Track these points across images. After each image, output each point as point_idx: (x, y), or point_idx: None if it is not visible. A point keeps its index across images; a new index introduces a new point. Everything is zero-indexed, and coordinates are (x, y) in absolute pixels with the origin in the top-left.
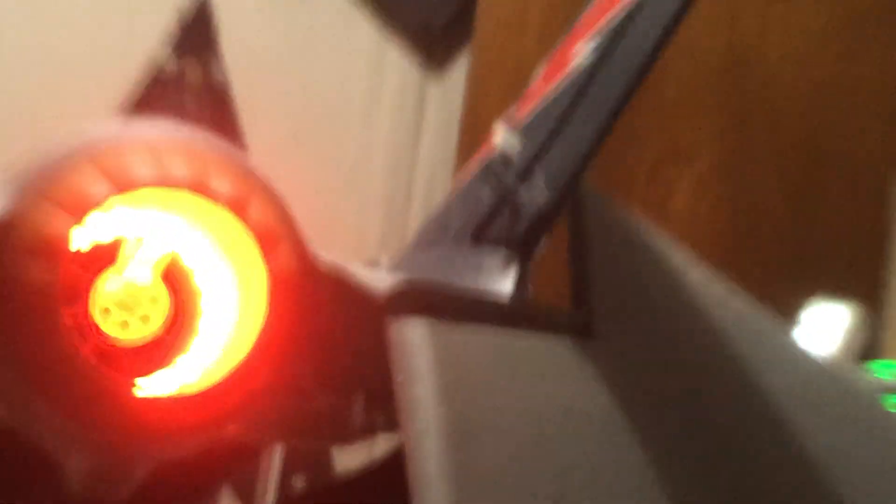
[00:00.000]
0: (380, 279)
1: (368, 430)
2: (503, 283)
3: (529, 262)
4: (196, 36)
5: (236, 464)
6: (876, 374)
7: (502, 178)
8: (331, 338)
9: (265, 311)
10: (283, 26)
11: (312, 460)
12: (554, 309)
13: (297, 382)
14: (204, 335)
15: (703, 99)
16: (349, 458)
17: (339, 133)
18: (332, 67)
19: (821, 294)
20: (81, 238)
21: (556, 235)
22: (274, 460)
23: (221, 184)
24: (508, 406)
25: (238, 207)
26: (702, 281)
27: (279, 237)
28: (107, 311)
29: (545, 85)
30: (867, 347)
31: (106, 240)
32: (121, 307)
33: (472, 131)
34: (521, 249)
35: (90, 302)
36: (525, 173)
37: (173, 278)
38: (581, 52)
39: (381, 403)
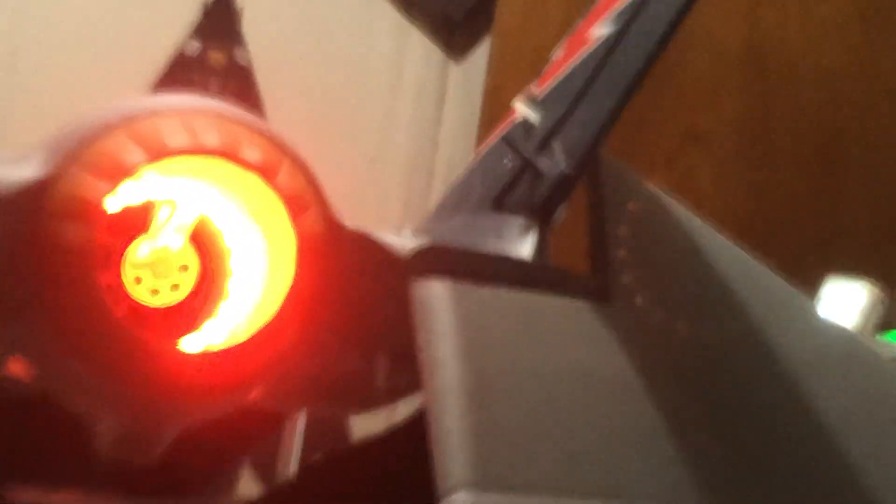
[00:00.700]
0: (403, 243)
1: (392, 393)
2: (523, 248)
3: (548, 228)
4: (220, 21)
5: (261, 432)
6: (889, 344)
7: (522, 148)
8: (356, 300)
9: (293, 273)
10: (305, 13)
11: (333, 431)
12: (572, 273)
13: (323, 343)
14: (233, 297)
15: (722, 86)
16: (370, 426)
17: (360, 119)
18: (355, 53)
19: (841, 271)
20: (114, 205)
21: (574, 202)
22: (297, 431)
23: (252, 151)
24: (527, 365)
25: (268, 173)
26: (719, 247)
27: (307, 202)
28: (138, 279)
29: (564, 61)
30: (885, 324)
31: (138, 207)
32: (153, 274)
33: (493, 118)
34: (541, 216)
35: (122, 268)
36: (544, 143)
37: (203, 242)
38: (599, 31)
39: (404, 365)
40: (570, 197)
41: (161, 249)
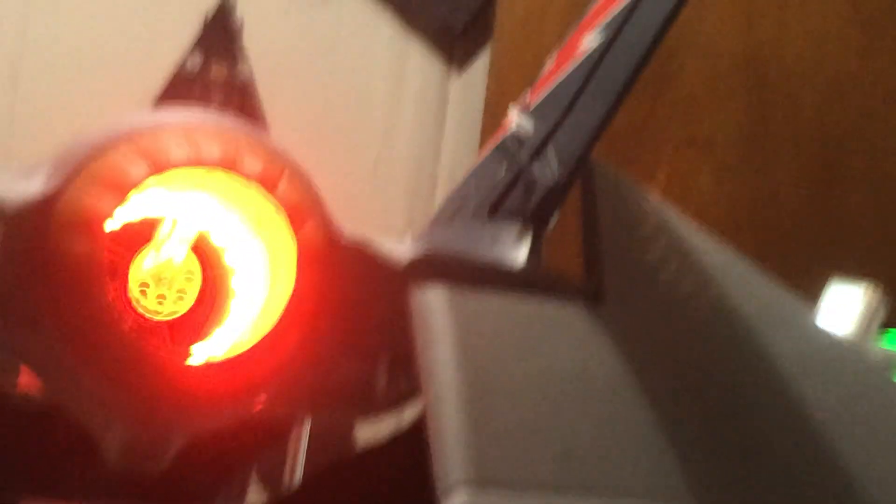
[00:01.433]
0: (401, 250)
1: (393, 399)
2: (518, 253)
3: (542, 234)
4: (221, 36)
5: (267, 441)
6: (886, 345)
7: (516, 156)
8: (356, 307)
9: (294, 282)
10: (306, 26)
11: (338, 438)
12: (566, 277)
13: (325, 351)
14: (237, 308)
15: (722, 92)
16: (372, 435)
17: (363, 129)
18: (356, 64)
19: (842, 276)
20: (120, 217)
21: (568, 208)
22: (302, 440)
23: (252, 163)
24: (523, 367)
25: (269, 185)
26: (709, 250)
27: (307, 213)
28: (144, 289)
29: (556, 71)
30: (887, 326)
31: (142, 220)
32: (157, 283)
33: (494, 126)
34: (535, 221)
35: (129, 279)
36: (537, 151)
37: (206, 254)
38: (589, 40)
39: (404, 371)
40: (563, 203)
41: (165, 262)
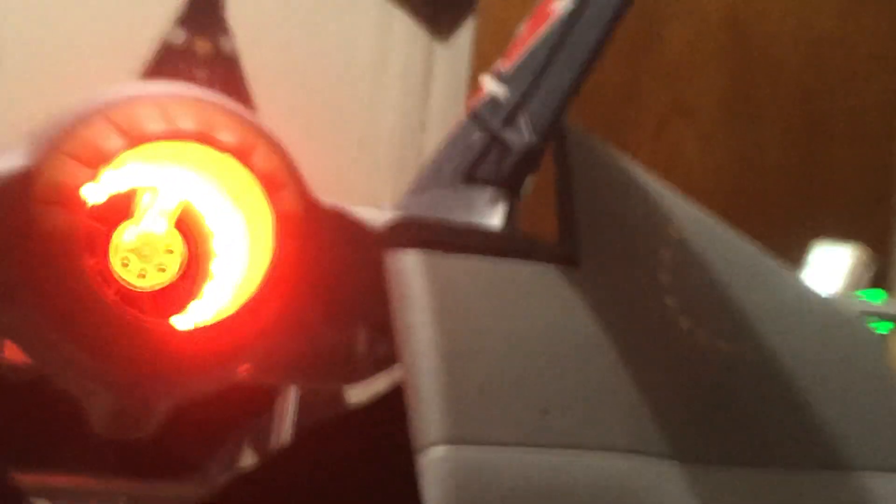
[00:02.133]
0: (378, 217)
1: (373, 365)
2: (492, 218)
3: (517, 199)
4: (204, 10)
5: (254, 408)
6: (865, 301)
7: (490, 123)
8: (334, 274)
9: (272, 250)
10: None
11: (324, 402)
12: (541, 241)
13: (305, 318)
14: (217, 278)
15: (705, 56)
16: (359, 396)
17: (348, 101)
18: (339, 36)
19: (827, 237)
20: (97, 191)
21: (543, 174)
22: (288, 405)
23: (227, 134)
24: (498, 328)
25: (243, 155)
26: (684, 212)
27: (283, 181)
28: (125, 262)
29: (528, 36)
30: (871, 285)
31: (120, 193)
32: (138, 257)
33: None
34: (509, 187)
35: (109, 252)
36: (510, 117)
37: (187, 226)
38: (559, 4)
39: (383, 336)
40: (536, 168)
41: (146, 234)
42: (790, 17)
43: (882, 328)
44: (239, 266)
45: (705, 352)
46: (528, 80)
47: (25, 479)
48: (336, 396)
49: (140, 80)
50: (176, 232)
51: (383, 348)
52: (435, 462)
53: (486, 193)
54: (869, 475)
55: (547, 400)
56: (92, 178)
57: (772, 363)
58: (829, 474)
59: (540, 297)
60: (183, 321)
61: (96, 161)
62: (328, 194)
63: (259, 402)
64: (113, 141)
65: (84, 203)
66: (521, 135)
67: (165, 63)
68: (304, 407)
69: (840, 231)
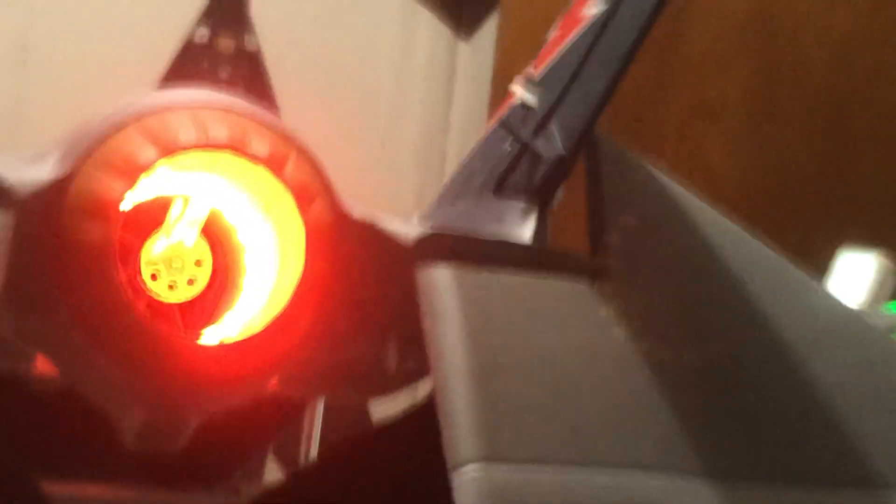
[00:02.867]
0: (409, 230)
1: (403, 378)
2: (524, 231)
3: (548, 210)
4: (228, 8)
5: (281, 422)
6: (890, 312)
7: (520, 132)
8: (365, 287)
9: (303, 262)
10: None
11: (352, 417)
12: (572, 253)
13: (335, 331)
14: (248, 290)
15: (730, 54)
16: (387, 411)
17: (371, 101)
18: (363, 35)
19: (853, 244)
20: (130, 201)
21: (575, 185)
22: (316, 419)
23: (260, 144)
24: (530, 344)
25: (276, 166)
26: (715, 223)
27: (315, 192)
28: (155, 274)
29: (559, 42)
30: None
31: (152, 203)
32: (168, 268)
33: (504, 95)
34: (540, 198)
35: (140, 263)
36: (541, 125)
37: (216, 237)
38: (591, 9)
39: (413, 350)
40: (567, 178)
41: (176, 245)
42: (816, 15)
43: None
44: (269, 278)
45: (733, 365)
46: (559, 87)
47: (58, 489)
48: (361, 410)
49: (164, 78)
50: (205, 243)
51: (413, 361)
52: (468, 480)
53: (517, 205)
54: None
55: (579, 417)
56: (125, 189)
57: (801, 378)
58: (858, 492)
59: (572, 312)
60: (212, 334)
61: (130, 172)
62: (352, 194)
63: (288, 415)
64: (146, 151)
65: (117, 214)
66: (553, 144)
67: (189, 61)
68: (330, 420)
69: (866, 234)
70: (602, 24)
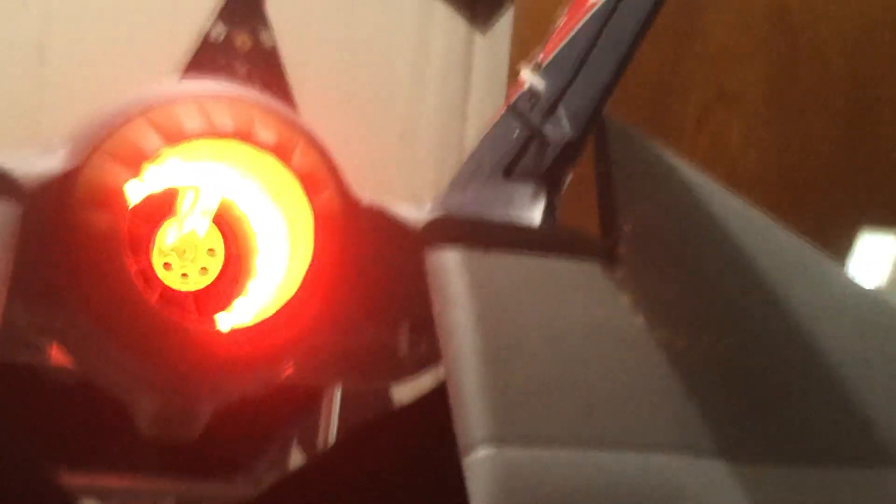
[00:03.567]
0: (418, 215)
1: (416, 364)
2: (533, 214)
3: (557, 193)
4: (244, 4)
5: (299, 410)
6: None
7: (528, 116)
8: (374, 273)
9: (312, 249)
10: None
11: (371, 403)
12: (582, 235)
13: (346, 317)
14: (259, 276)
15: (749, 42)
16: (405, 395)
17: (388, 94)
18: (379, 28)
19: (874, 226)
20: (139, 191)
21: (584, 167)
22: (334, 404)
23: (266, 133)
24: (541, 325)
25: (283, 154)
26: (727, 205)
27: (323, 180)
28: (167, 265)
29: (566, 27)
30: None
31: (162, 194)
32: (181, 258)
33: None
34: (549, 181)
35: (152, 253)
36: (549, 110)
37: (228, 225)
38: None
39: (425, 335)
40: (576, 161)
41: (188, 235)
42: (834, 3)
43: None
44: (279, 265)
45: (750, 347)
46: (567, 72)
47: (75, 479)
48: (382, 396)
49: (182, 75)
50: (217, 232)
51: (425, 347)
52: (480, 463)
53: (527, 188)
54: None
55: (592, 398)
56: (132, 177)
57: (819, 359)
58: (879, 471)
59: (582, 293)
60: (225, 321)
61: (136, 160)
62: (370, 187)
63: (306, 402)
64: (152, 140)
65: (126, 203)
66: (561, 128)
67: (205, 58)
68: (349, 406)
69: (890, 223)
70: (609, 8)
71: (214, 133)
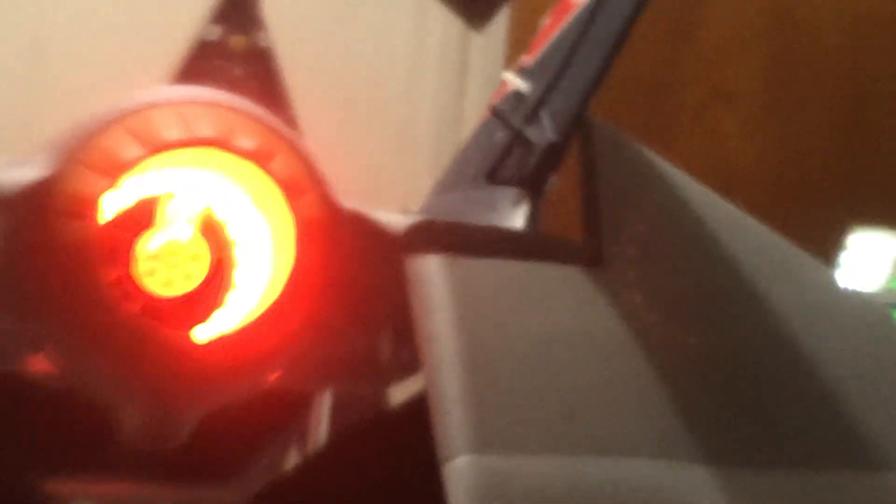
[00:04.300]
0: (400, 221)
1: (399, 369)
2: (515, 219)
3: (540, 197)
4: (239, 6)
5: (287, 416)
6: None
7: (512, 121)
8: (356, 279)
9: (294, 256)
10: None
11: (360, 408)
12: (564, 240)
13: (329, 323)
14: (240, 285)
15: (745, 39)
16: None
17: (384, 94)
18: (375, 28)
19: (870, 225)
20: (118, 200)
21: (568, 171)
22: (321, 411)
23: (246, 139)
24: (521, 332)
25: (263, 160)
26: (711, 207)
27: (304, 187)
28: (151, 271)
29: (551, 29)
30: None
31: (142, 201)
32: (165, 265)
33: None
34: (532, 186)
35: (132, 262)
36: (533, 113)
37: (210, 232)
38: None
39: (407, 340)
40: (559, 165)
41: (171, 242)
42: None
43: None
44: (262, 272)
45: (732, 352)
46: (550, 75)
47: (68, 485)
48: (371, 400)
49: (177, 77)
50: (201, 238)
51: (407, 352)
52: (459, 472)
53: (509, 193)
54: None
55: (572, 405)
56: (109, 187)
57: (802, 363)
58: (862, 474)
59: (563, 299)
60: (206, 330)
61: (114, 170)
62: (366, 187)
63: (293, 409)
64: (131, 149)
65: (102, 213)
66: (544, 131)
67: (201, 60)
68: (340, 411)
69: (886, 221)
70: (591, 11)
71: (194, 141)
